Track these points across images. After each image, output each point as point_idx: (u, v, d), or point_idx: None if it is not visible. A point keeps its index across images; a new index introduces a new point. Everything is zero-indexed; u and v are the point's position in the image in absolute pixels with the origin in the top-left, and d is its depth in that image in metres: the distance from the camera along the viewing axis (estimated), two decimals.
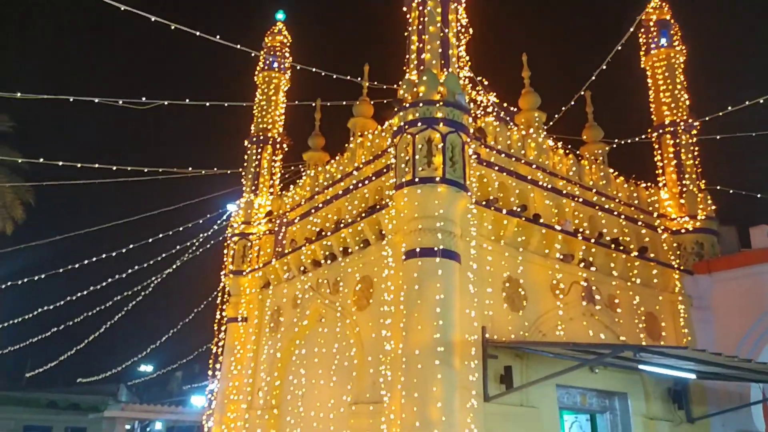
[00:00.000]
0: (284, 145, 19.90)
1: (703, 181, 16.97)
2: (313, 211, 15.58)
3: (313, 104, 18.48)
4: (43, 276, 19.62)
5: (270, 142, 19.56)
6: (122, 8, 10.27)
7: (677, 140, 17.25)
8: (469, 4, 21.07)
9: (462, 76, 20.26)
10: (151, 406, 31.65)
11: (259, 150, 19.53)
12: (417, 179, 10.81)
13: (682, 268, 15.47)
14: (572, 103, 16.87)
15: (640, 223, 15.44)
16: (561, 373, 9.68)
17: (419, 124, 11.16)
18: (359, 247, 13.13)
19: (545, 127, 15.60)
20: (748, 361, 10.67)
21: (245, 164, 19.71)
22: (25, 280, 18.87)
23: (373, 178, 13.31)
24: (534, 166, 13.63)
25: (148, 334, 23.05)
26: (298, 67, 19.48)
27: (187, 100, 15.99)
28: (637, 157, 18.61)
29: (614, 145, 17.07)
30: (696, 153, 17.34)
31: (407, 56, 12.68)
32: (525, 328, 11.76)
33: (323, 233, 14.26)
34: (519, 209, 12.53)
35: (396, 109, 11.82)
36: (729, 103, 17.44)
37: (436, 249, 10.39)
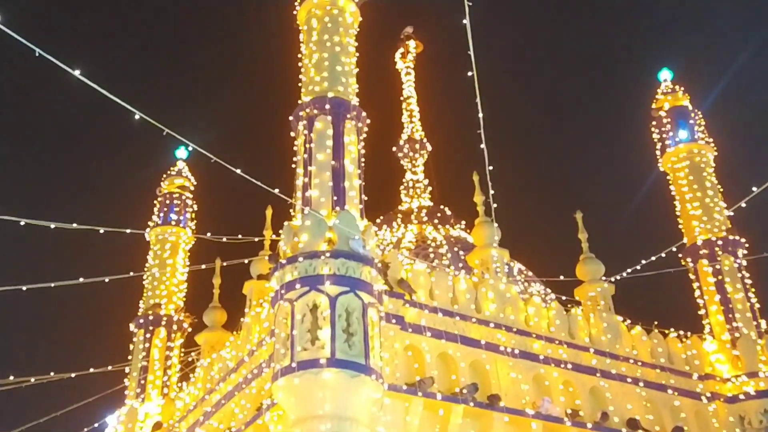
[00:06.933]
0: (184, 324, 20.10)
1: (764, 321, 16.65)
2: (201, 419, 15.35)
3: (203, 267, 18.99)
4: None
5: (163, 323, 19.76)
6: None
7: (716, 266, 17.18)
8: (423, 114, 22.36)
9: (415, 206, 21.23)
10: None
11: (149, 335, 19.65)
12: (295, 365, 10.73)
13: None
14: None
15: (672, 391, 14.97)
16: None
17: (298, 286, 11.31)
18: None
19: (513, 267, 15.76)
20: None
21: (129, 357, 19.82)
22: None
23: (264, 367, 13.20)
24: (492, 324, 13.57)
25: None
26: (190, 233, 20.39)
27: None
28: (662, 296, 18.49)
29: (615, 279, 16.89)
30: (748, 281, 17.16)
31: (292, 194, 13.18)
32: None
33: None
34: (466, 390, 12.26)
35: (271, 269, 12.07)
36: None
37: None
